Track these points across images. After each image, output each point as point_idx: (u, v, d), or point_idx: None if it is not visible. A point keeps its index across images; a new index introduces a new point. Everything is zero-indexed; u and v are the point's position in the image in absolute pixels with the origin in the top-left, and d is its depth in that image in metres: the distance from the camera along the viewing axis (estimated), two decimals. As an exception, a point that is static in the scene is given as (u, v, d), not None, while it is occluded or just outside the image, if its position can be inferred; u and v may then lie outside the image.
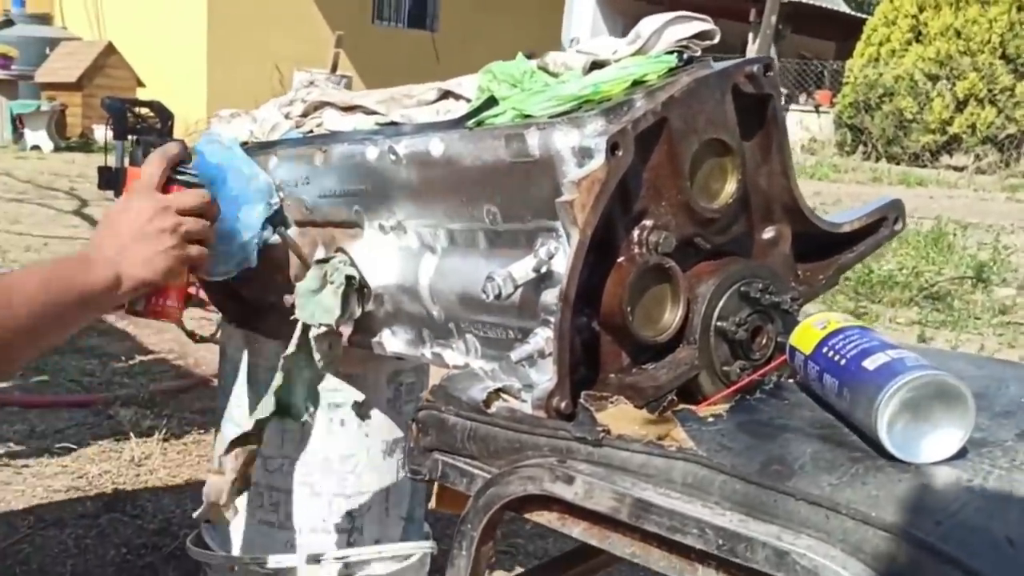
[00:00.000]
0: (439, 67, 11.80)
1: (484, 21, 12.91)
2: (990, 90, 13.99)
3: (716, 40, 0.93)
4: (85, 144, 9.24)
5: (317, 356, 1.10)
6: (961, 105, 14.18)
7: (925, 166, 13.96)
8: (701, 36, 0.92)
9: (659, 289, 0.89)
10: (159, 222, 0.97)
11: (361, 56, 10.43)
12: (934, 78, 14.34)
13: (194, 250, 1.01)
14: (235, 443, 1.09)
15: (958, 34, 14.21)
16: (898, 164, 14.04)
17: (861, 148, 14.89)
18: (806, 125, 16.11)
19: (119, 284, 0.94)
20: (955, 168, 13.56)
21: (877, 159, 14.39)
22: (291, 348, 1.10)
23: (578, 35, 18.60)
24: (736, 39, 17.03)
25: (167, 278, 0.99)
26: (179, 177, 1.04)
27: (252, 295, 1.32)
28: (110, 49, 9.65)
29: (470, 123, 0.95)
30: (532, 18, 13.69)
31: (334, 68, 7.63)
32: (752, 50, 14.61)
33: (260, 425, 1.09)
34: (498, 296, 0.85)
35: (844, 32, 17.98)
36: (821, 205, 7.95)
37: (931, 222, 6.90)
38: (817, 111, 16.57)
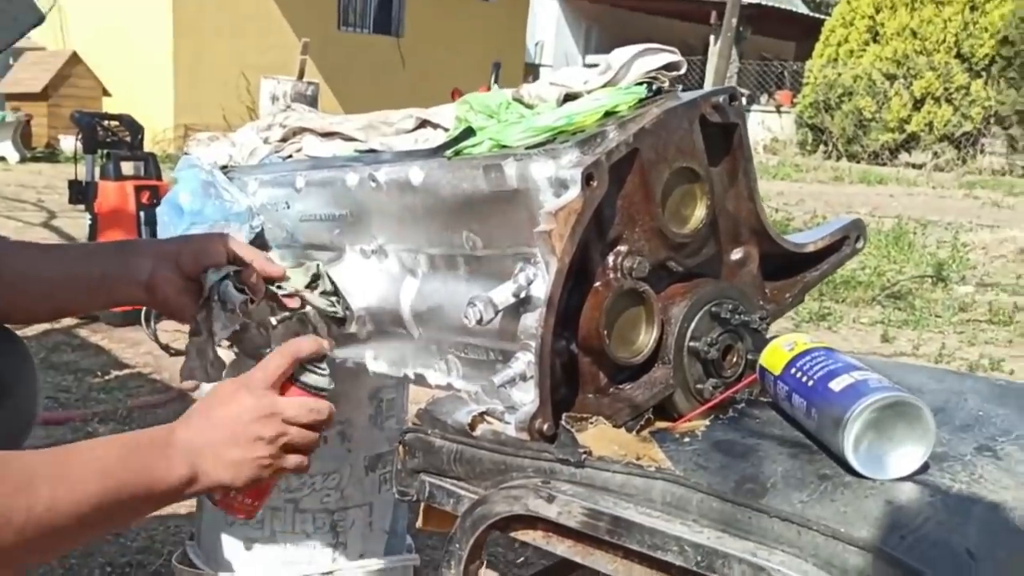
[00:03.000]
0: (405, 72, 11.80)
1: (449, 25, 12.92)
2: (946, 89, 14.29)
3: (683, 71, 0.97)
4: (51, 154, 9.15)
5: None
6: (918, 104, 14.48)
7: (885, 164, 14.22)
8: (669, 67, 0.96)
9: (634, 312, 0.92)
10: (259, 428, 0.86)
11: (328, 62, 10.39)
12: (892, 77, 14.61)
13: (291, 461, 0.89)
14: None
15: (914, 34, 14.50)
16: (858, 162, 14.29)
17: (822, 147, 15.13)
18: (768, 125, 16.33)
19: (194, 482, 0.83)
20: (914, 166, 13.82)
21: (838, 158, 14.63)
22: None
23: (543, 39, 18.70)
24: (698, 41, 17.22)
25: (250, 486, 0.88)
26: (303, 378, 0.91)
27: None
28: (75, 59, 9.55)
29: (448, 152, 0.98)
30: (497, 22, 13.74)
31: (301, 75, 7.58)
32: (714, 51, 14.77)
33: None
34: (479, 321, 0.88)
35: (803, 33, 18.24)
36: (784, 205, 8.09)
37: (892, 221, 7.04)
38: (778, 111, 16.80)
